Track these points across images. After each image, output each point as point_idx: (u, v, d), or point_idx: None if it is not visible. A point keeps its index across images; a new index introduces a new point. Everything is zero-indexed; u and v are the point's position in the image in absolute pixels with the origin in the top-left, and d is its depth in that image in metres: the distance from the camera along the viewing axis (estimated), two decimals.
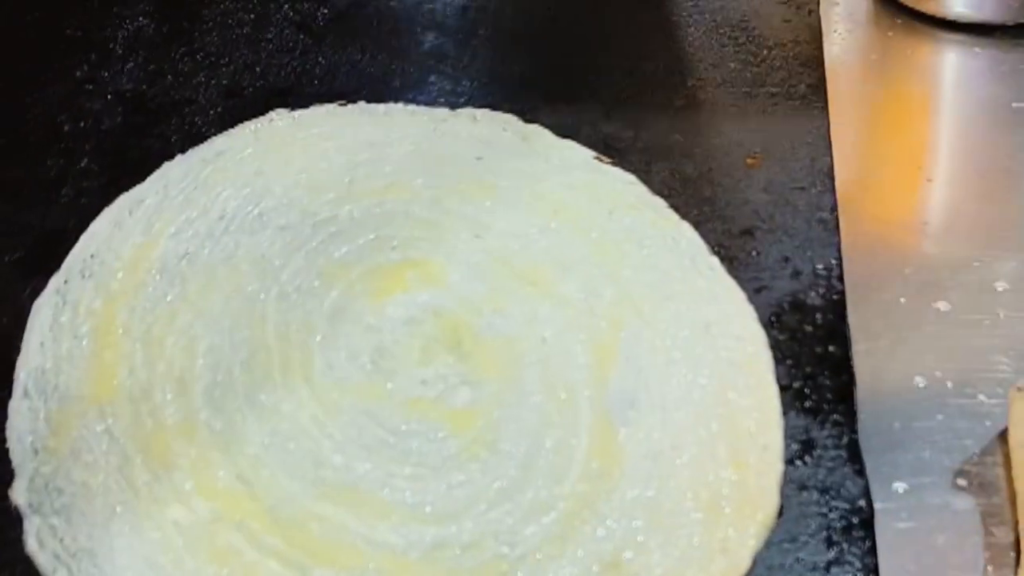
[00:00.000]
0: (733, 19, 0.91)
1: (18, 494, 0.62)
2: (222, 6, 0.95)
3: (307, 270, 0.73)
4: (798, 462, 0.64)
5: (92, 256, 0.74)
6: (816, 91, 0.86)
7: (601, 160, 0.80)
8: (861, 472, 0.63)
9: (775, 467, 0.63)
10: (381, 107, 0.85)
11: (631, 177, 0.79)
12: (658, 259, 0.74)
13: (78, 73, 0.89)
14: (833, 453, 0.64)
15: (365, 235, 0.75)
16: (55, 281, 0.73)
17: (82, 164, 0.81)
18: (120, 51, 0.91)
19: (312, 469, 0.63)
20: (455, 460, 0.64)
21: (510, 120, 0.83)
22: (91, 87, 0.87)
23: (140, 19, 0.94)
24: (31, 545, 0.60)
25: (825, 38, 0.90)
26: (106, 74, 0.89)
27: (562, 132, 0.82)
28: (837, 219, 0.76)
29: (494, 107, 0.84)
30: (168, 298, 0.71)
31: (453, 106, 0.85)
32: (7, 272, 0.74)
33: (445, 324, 0.70)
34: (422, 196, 0.77)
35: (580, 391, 0.67)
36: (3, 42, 0.92)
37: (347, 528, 0.61)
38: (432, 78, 0.88)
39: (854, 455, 0.64)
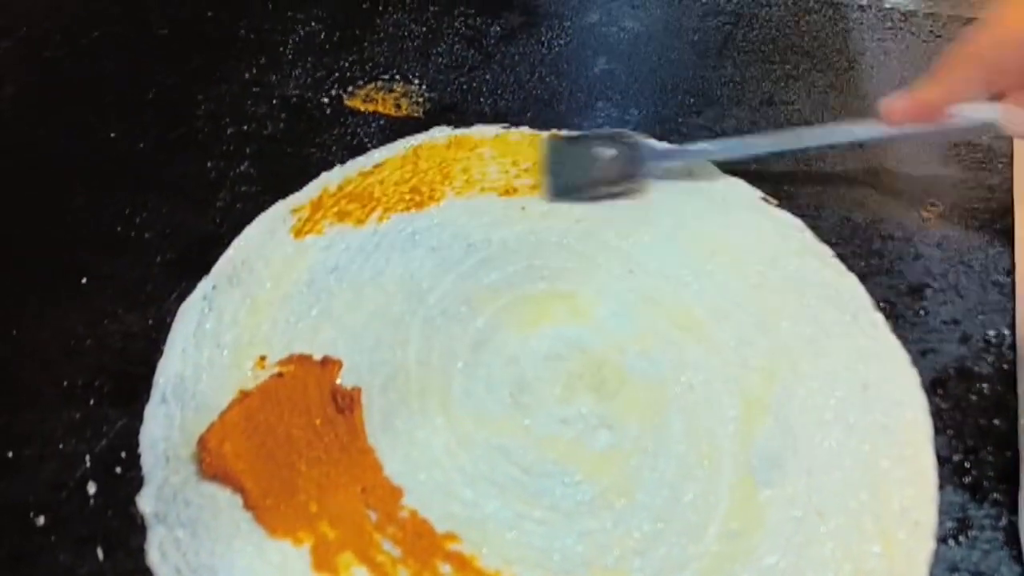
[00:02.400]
0: (919, 61, 0.87)
1: (145, 502, 0.62)
2: (395, 16, 0.94)
3: (454, 294, 0.71)
4: (951, 541, 0.61)
5: (242, 263, 0.74)
6: (1002, 144, 0.81)
7: (768, 201, 0.77)
8: (1019, 558, 0.60)
9: (926, 545, 0.60)
10: (544, 133, 0.83)
11: (798, 222, 0.76)
12: (819, 312, 0.70)
13: (247, 75, 0.89)
14: (990, 535, 0.61)
15: (516, 263, 0.73)
16: (203, 286, 0.73)
17: (241, 168, 0.81)
18: (290, 56, 0.91)
19: (442, 502, 0.62)
20: (588, 507, 0.62)
21: None
22: (257, 90, 0.88)
23: (313, 24, 0.94)
24: (153, 556, 0.60)
25: None
26: (274, 78, 0.89)
27: (729, 168, 0.79)
28: (1014, 283, 0.72)
29: (661, 138, 0.82)
30: (313, 312, 0.71)
31: None
32: (158, 273, 0.74)
33: (589, 362, 0.68)
34: (578, 227, 0.75)
35: (725, 445, 0.64)
36: (181, 37, 0.93)
37: (471, 568, 0.59)
38: (599, 104, 0.86)
39: (1012, 538, 0.60)
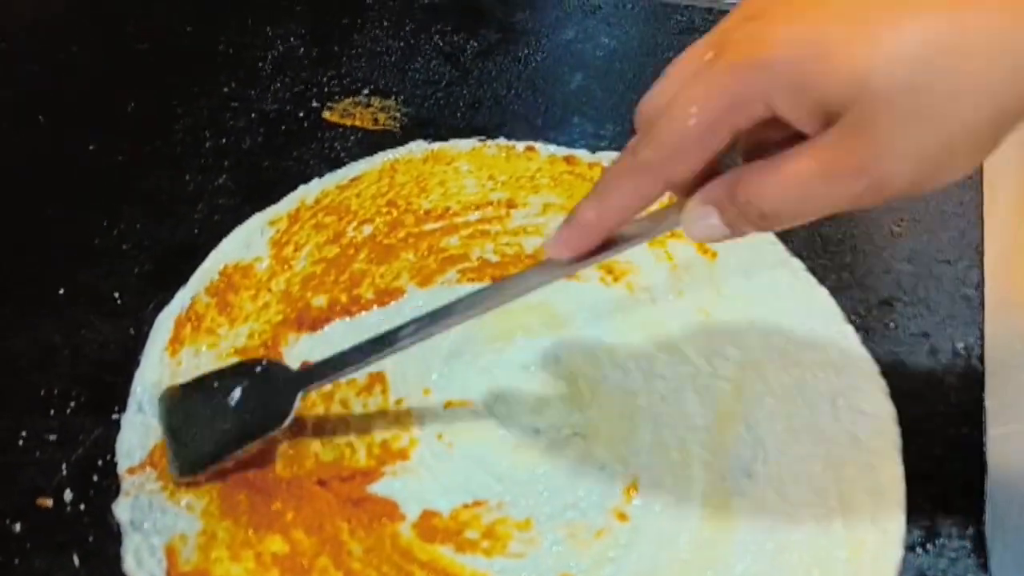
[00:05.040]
0: None
1: (121, 510, 0.62)
2: (373, 32, 0.95)
3: (431, 305, 0.72)
4: (919, 550, 0.61)
5: (220, 274, 0.74)
6: None
7: None
8: (985, 566, 0.60)
9: (894, 553, 0.61)
10: (520, 145, 0.84)
11: (770, 235, 0.77)
12: (790, 323, 0.71)
13: (225, 89, 0.90)
14: (957, 543, 0.62)
15: (493, 274, 0.74)
16: (181, 296, 0.73)
17: (219, 181, 0.82)
18: (268, 71, 0.91)
19: (416, 510, 0.63)
20: (561, 515, 0.62)
21: None
22: (236, 104, 0.88)
23: (291, 40, 0.94)
24: (129, 564, 0.60)
25: None
26: (252, 92, 0.89)
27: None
28: (983, 297, 0.73)
29: None
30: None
31: (594, 149, 0.84)
32: (135, 284, 0.75)
33: (563, 372, 0.69)
34: None
35: (696, 454, 0.65)
36: (159, 52, 0.94)
37: (446, 574, 0.60)
38: (575, 119, 0.87)
39: (979, 547, 0.61)
